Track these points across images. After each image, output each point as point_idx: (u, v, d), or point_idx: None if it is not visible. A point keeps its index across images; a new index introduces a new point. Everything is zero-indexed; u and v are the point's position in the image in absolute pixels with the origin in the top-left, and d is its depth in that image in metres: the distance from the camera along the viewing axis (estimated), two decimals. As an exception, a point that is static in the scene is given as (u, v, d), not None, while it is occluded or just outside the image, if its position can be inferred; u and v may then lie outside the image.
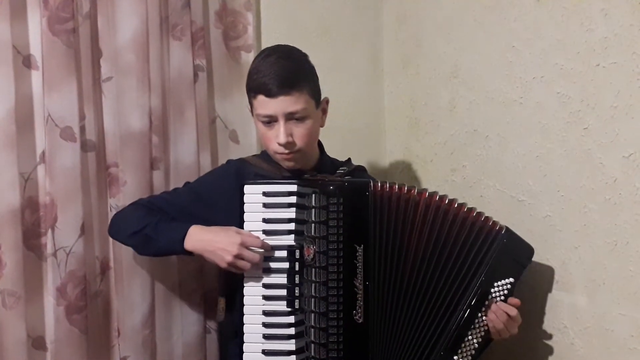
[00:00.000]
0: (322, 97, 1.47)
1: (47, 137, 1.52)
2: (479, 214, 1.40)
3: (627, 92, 1.29)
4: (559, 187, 1.46)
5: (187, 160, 1.70)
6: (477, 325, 1.39)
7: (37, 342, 1.55)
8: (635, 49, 1.26)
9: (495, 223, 1.40)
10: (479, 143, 1.70)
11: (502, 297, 1.38)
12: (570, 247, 1.44)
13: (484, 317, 1.38)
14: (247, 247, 1.33)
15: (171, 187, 1.67)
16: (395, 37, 2.05)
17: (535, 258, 1.54)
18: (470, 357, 1.39)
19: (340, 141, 2.00)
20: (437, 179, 1.88)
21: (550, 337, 1.51)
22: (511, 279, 1.38)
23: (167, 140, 1.69)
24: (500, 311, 1.35)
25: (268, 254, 1.35)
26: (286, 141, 1.36)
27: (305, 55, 1.45)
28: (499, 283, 1.38)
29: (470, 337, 1.39)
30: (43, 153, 1.54)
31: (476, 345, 1.39)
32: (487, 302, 1.37)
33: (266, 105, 1.34)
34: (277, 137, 1.36)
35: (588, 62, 1.36)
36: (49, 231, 1.53)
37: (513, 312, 1.36)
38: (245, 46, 1.82)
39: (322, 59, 1.98)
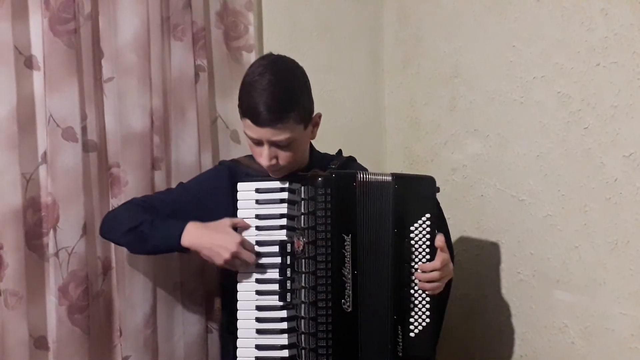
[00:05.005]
0: (315, 112, 1.44)
1: (48, 138, 1.52)
2: (375, 174, 1.39)
3: (628, 92, 1.29)
4: (559, 186, 1.46)
5: (188, 160, 1.71)
6: (414, 280, 1.36)
7: (39, 342, 1.55)
8: (636, 49, 1.27)
9: (382, 175, 1.39)
10: (480, 143, 1.70)
11: (427, 235, 1.36)
12: (571, 247, 1.44)
13: (415, 267, 1.36)
14: (244, 248, 1.35)
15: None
16: (396, 37, 2.05)
17: (535, 257, 1.55)
18: (428, 312, 1.36)
19: (341, 141, 2.00)
20: (437, 179, 1.86)
21: (550, 336, 1.51)
22: (427, 215, 1.36)
23: (169, 140, 1.69)
24: (428, 275, 1.35)
25: (262, 249, 1.37)
26: (269, 164, 1.37)
27: (300, 75, 1.40)
28: (416, 225, 1.36)
29: (414, 292, 1.36)
30: (45, 153, 1.54)
31: (428, 299, 1.36)
32: (413, 249, 1.36)
33: (253, 129, 1.35)
34: (261, 157, 1.38)
35: (588, 61, 1.37)
36: (51, 231, 1.53)
37: (437, 264, 1.34)
38: (246, 46, 1.82)
39: (323, 58, 2.00)
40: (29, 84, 1.53)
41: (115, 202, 1.61)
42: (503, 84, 1.61)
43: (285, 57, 1.41)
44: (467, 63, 1.74)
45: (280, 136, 1.34)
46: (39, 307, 1.55)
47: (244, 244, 1.35)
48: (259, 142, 1.37)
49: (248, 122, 1.35)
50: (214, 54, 1.78)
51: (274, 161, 1.37)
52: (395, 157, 2.09)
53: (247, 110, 1.35)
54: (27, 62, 1.53)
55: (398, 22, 2.04)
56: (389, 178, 1.39)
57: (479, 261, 1.73)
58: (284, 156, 1.38)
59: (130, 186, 1.61)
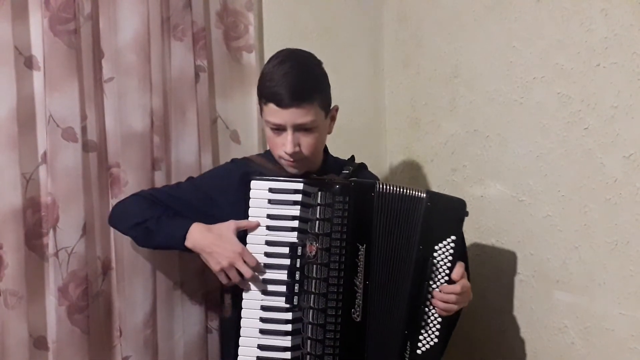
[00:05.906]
0: (332, 105, 1.46)
1: (48, 138, 1.52)
2: (400, 186, 1.38)
3: (628, 92, 1.29)
4: (559, 187, 1.46)
5: (189, 160, 1.71)
6: (431, 298, 1.36)
7: (38, 342, 1.56)
8: (636, 49, 1.27)
9: (416, 190, 1.38)
10: (480, 143, 1.70)
11: (449, 257, 1.36)
12: (571, 247, 1.44)
13: (433, 286, 1.36)
14: (244, 261, 1.34)
15: (173, 188, 1.67)
16: (396, 37, 2.05)
17: (535, 257, 1.55)
18: (437, 332, 1.37)
19: (341, 141, 2.00)
20: (437, 179, 1.88)
21: (550, 336, 1.51)
22: (452, 237, 1.36)
23: (169, 141, 1.69)
24: (446, 296, 1.34)
25: (271, 249, 1.36)
26: (293, 151, 1.36)
27: (319, 64, 1.44)
28: (440, 245, 1.36)
29: (428, 310, 1.36)
30: (45, 153, 1.54)
31: (440, 319, 1.36)
32: (434, 268, 1.36)
33: (276, 114, 1.34)
34: (284, 146, 1.37)
35: (588, 62, 1.37)
36: (51, 231, 1.53)
37: (457, 289, 1.34)
38: (246, 46, 1.82)
39: (323, 59, 1.97)
40: (29, 84, 1.54)
41: (115, 203, 1.61)
42: (503, 84, 1.61)
43: (301, 49, 1.44)
44: (467, 63, 1.74)
45: (306, 117, 1.34)
46: (39, 307, 1.55)
47: (244, 255, 1.34)
48: (282, 129, 1.36)
49: (272, 106, 1.34)
50: (214, 54, 1.78)
51: (297, 148, 1.36)
52: (395, 157, 2.09)
53: (271, 94, 1.34)
54: (27, 62, 1.53)
55: (398, 23, 2.04)
56: (423, 194, 1.37)
57: (478, 261, 1.73)
58: (306, 143, 1.37)
59: (130, 186, 1.61)
